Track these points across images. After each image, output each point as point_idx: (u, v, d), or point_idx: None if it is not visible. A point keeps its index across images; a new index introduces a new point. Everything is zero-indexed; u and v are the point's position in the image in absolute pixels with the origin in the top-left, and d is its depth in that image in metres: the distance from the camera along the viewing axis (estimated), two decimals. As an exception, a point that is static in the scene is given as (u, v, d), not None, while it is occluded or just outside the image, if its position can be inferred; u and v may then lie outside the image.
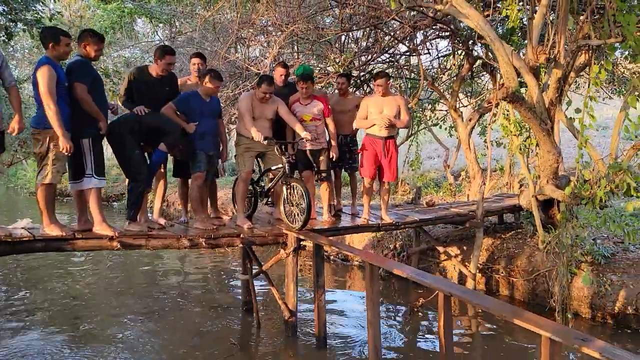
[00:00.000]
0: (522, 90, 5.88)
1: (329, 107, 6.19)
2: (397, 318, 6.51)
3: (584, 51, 6.41)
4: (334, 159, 6.14)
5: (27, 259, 9.12)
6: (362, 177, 6.27)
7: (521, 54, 6.53)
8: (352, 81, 9.44)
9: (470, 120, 9.83)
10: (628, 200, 5.16)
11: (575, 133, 5.57)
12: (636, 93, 5.13)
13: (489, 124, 10.61)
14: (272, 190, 6.08)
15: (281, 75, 6.19)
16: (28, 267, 8.70)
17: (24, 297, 7.06)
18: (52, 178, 4.56)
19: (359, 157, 6.26)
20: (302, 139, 5.73)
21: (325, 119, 6.09)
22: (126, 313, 6.40)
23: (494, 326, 6.02)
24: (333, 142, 6.12)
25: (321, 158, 6.08)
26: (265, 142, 5.52)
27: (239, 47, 10.66)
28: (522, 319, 3.41)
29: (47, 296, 7.04)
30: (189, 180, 6.03)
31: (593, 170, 5.49)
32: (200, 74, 5.73)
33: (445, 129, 13.16)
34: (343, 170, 6.74)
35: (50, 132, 4.46)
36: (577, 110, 5.23)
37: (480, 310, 6.52)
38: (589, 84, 5.03)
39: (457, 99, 10.11)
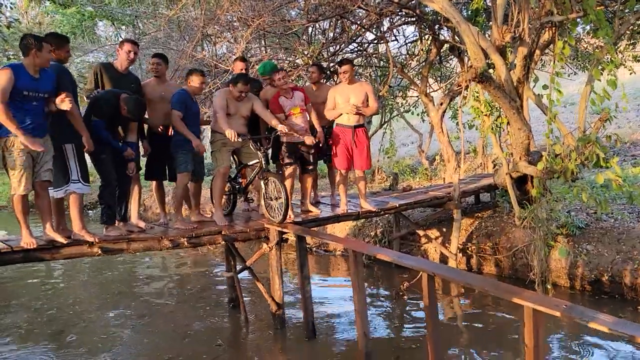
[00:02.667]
0: (490, 71, 5.98)
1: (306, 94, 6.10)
2: (383, 303, 6.58)
3: (547, 29, 6.53)
4: (314, 144, 6.00)
5: (2, 275, 8.93)
6: (336, 169, 6.29)
7: (487, 35, 6.62)
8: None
9: (441, 104, 9.94)
10: (597, 172, 5.29)
11: (543, 109, 5.70)
12: (600, 67, 5.27)
13: (460, 107, 10.77)
14: (250, 186, 6.07)
15: (241, 69, 6.19)
16: (4, 282, 8.51)
17: (3, 312, 6.88)
18: (22, 188, 4.39)
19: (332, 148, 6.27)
20: (278, 132, 5.71)
21: (307, 106, 6.00)
22: (111, 320, 6.31)
23: (477, 306, 6.14)
24: (318, 129, 6.02)
25: (312, 151, 6.04)
26: (240, 140, 5.50)
27: (205, 45, 10.57)
28: (504, 292, 3.50)
29: (27, 310, 6.87)
30: (164, 183, 6.02)
31: (563, 144, 5.63)
32: (159, 73, 5.74)
33: (418, 114, 13.30)
34: (321, 162, 6.76)
35: (2, 140, 4.34)
36: (545, 87, 5.35)
37: (462, 291, 6.66)
38: (554, 61, 5.15)
39: (427, 84, 10.20)
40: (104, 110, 4.95)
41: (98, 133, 4.87)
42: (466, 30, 5.01)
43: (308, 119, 6.06)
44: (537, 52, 6.75)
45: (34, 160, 4.46)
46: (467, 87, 8.57)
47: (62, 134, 4.63)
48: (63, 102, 4.43)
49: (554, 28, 6.38)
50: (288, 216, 5.49)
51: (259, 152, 5.60)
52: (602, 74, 5.42)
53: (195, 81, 5.52)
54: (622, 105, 5.10)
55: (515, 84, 5.55)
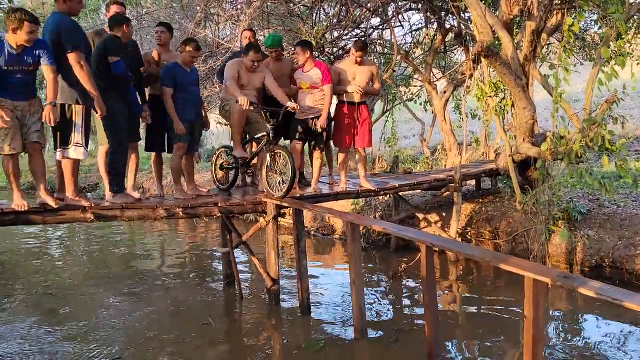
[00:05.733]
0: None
1: (330, 74, 5.81)
2: (381, 284, 6.49)
3: (556, 12, 6.42)
4: (319, 129, 5.81)
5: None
6: (337, 147, 6.17)
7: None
8: (324, 57, 9.39)
9: (445, 92, 9.84)
10: (602, 164, 5.17)
11: (550, 90, 5.59)
12: (610, 46, 5.17)
13: (464, 95, 10.67)
14: (253, 161, 5.96)
15: (246, 38, 6.11)
16: (1, 257, 8.44)
17: (-1, 286, 6.79)
18: (8, 148, 4.28)
19: (332, 126, 6.15)
20: (287, 107, 5.53)
21: (323, 87, 5.75)
22: (106, 296, 6.16)
23: (475, 291, 6.04)
24: (324, 112, 5.77)
25: (316, 127, 5.85)
26: (252, 108, 5.38)
27: (208, 24, 10.45)
28: (505, 262, 3.40)
29: (23, 285, 6.74)
30: (162, 155, 5.94)
31: (568, 126, 5.53)
32: (163, 42, 5.76)
33: (421, 104, 13.20)
34: None
35: None
36: (552, 67, 5.25)
37: (460, 276, 6.57)
38: (562, 37, 5.03)
39: (431, 73, 10.10)
40: (116, 45, 4.87)
41: (118, 72, 4.80)
42: (474, 3, 4.90)
43: (317, 98, 5.88)
44: (545, 36, 6.62)
45: (20, 121, 4.36)
46: (471, 76, 8.48)
47: (71, 94, 4.50)
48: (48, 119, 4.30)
49: (562, 11, 6.28)
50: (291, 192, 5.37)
51: (268, 125, 5.47)
52: (612, 57, 5.32)
53: (184, 49, 5.43)
54: (630, 86, 4.98)
55: (522, 62, 5.44)
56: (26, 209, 4.48)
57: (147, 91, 5.77)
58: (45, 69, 4.32)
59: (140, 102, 5.38)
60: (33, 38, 4.21)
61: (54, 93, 4.35)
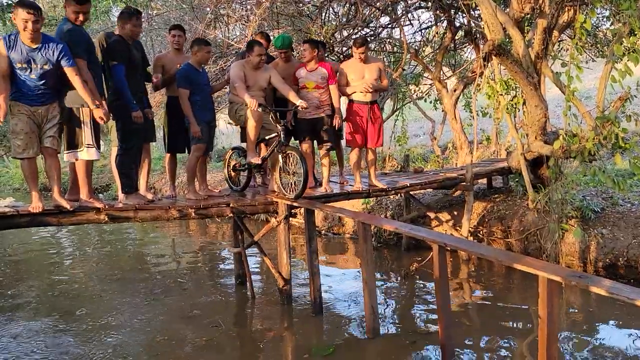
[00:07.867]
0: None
1: (335, 74, 5.89)
2: (392, 284, 6.49)
3: (567, 9, 6.37)
4: (336, 128, 5.92)
5: (12, 254, 8.96)
6: (350, 146, 6.16)
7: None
8: (333, 56, 9.39)
9: (455, 90, 9.80)
10: (615, 162, 5.11)
11: (562, 87, 5.55)
12: (623, 43, 5.11)
13: (474, 93, 10.62)
14: (265, 162, 5.97)
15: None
16: (16, 258, 8.54)
17: (15, 286, 6.84)
18: (14, 152, 4.40)
19: (345, 126, 6.15)
20: (298, 106, 5.48)
21: (330, 87, 5.82)
22: (120, 297, 6.19)
23: (488, 292, 6.01)
24: (337, 111, 5.84)
25: (324, 127, 5.88)
26: (260, 109, 5.39)
27: (218, 25, 10.49)
28: (518, 262, 3.39)
29: (37, 288, 6.78)
30: (177, 155, 5.98)
31: (580, 124, 5.49)
32: (179, 45, 5.80)
33: (430, 102, 13.16)
34: None
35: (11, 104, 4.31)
36: (564, 64, 5.22)
37: (473, 271, 6.55)
38: (574, 34, 4.99)
39: (441, 70, 10.06)
40: (119, 49, 4.87)
41: (118, 77, 4.79)
42: (484, 1, 4.87)
43: (324, 98, 5.89)
44: (556, 33, 6.58)
45: (38, 126, 4.43)
46: (481, 74, 8.44)
47: (76, 96, 4.54)
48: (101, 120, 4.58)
49: (574, 7, 6.23)
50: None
51: (278, 125, 5.44)
52: (625, 54, 5.26)
53: (199, 51, 5.42)
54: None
55: (533, 60, 5.41)
56: (41, 210, 4.53)
57: (166, 92, 5.83)
58: (67, 72, 4.37)
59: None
60: (39, 28, 4.22)
61: (88, 95, 4.42)
